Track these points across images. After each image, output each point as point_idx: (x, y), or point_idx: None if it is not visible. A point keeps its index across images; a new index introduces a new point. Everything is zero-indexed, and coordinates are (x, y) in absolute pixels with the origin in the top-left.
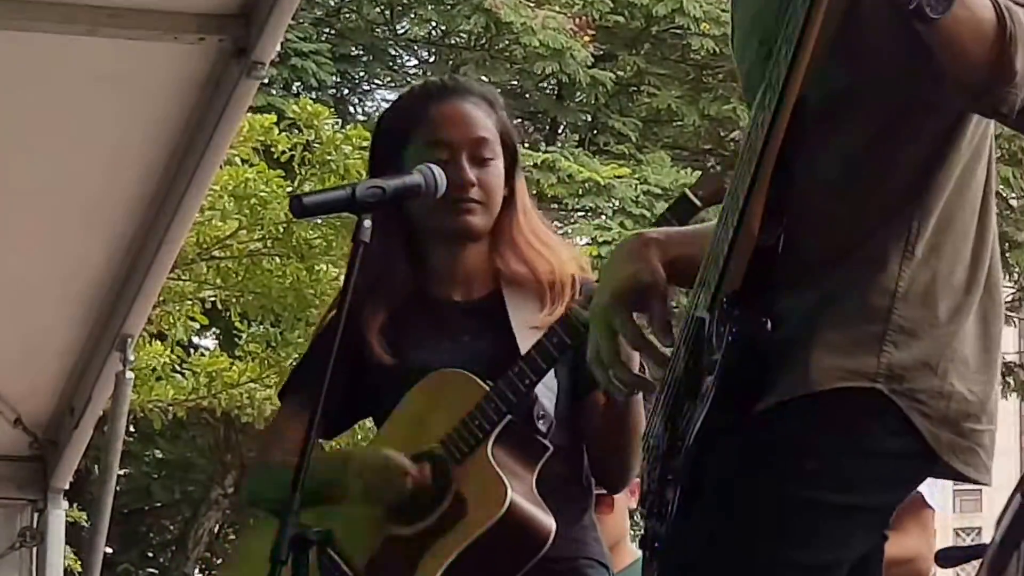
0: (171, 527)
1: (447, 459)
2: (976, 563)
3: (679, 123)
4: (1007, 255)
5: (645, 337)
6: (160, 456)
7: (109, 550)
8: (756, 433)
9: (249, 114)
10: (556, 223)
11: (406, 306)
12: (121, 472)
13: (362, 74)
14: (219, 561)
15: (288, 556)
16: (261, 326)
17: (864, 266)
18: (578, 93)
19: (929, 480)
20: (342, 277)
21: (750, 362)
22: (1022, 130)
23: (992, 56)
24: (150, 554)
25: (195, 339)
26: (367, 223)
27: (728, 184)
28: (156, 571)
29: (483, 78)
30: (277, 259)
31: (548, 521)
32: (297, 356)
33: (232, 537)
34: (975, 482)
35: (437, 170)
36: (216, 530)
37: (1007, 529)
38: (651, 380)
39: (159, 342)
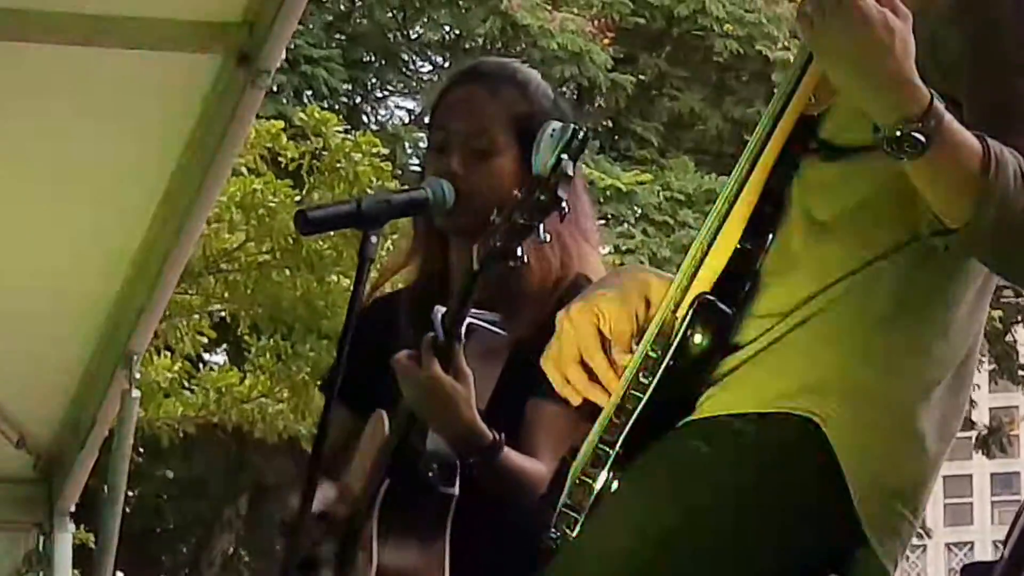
0: (183, 549)
1: (359, 515)
2: None
3: (702, 126)
4: None
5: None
6: (171, 476)
7: (120, 574)
8: (676, 446)
9: (256, 121)
10: None
11: None
12: (131, 493)
13: (374, 80)
14: None
15: None
16: (271, 339)
17: (831, 311)
18: (598, 97)
19: None
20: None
21: (702, 359)
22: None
23: (965, 203)
24: None
25: (204, 354)
26: (374, 239)
27: None
28: None
29: None
30: (286, 270)
31: (431, 573)
32: (309, 369)
33: (247, 559)
34: (881, 573)
35: (447, 184)
36: (230, 552)
37: (1015, 545)
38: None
39: (167, 354)
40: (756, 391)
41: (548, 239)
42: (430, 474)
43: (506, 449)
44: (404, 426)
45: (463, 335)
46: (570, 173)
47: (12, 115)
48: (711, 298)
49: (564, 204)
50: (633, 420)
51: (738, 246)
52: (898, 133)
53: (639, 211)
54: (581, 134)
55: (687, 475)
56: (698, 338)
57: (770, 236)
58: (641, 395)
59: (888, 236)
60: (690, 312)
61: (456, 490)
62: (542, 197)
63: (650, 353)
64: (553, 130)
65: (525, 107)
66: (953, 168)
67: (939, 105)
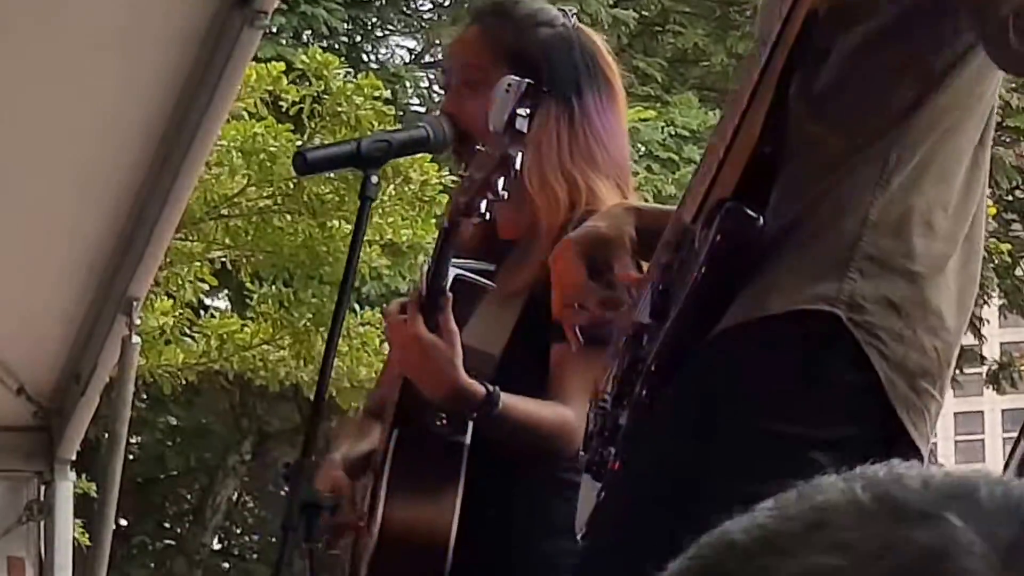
0: (187, 496)
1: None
2: None
3: (706, 62)
4: None
5: (588, 282)
6: (174, 423)
7: (124, 522)
8: (709, 357)
9: (256, 64)
10: None
11: None
12: (133, 441)
13: (375, 20)
14: (238, 530)
15: (300, 523)
16: (273, 286)
17: (836, 190)
18: (600, 33)
19: None
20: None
21: (734, 267)
22: None
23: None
24: (166, 524)
25: (205, 299)
26: (373, 179)
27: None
28: (173, 542)
29: None
30: (288, 216)
31: (443, 527)
32: (311, 316)
33: (251, 505)
34: (915, 452)
35: (445, 121)
36: (234, 498)
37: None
38: (608, 330)
39: (166, 298)
40: (780, 291)
41: (506, 196)
42: (437, 424)
43: (506, 399)
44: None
45: (448, 288)
46: (523, 130)
47: (3, 61)
48: (737, 203)
49: (516, 163)
50: (664, 333)
51: (757, 151)
52: None
53: (643, 148)
54: (535, 89)
55: (724, 383)
56: (724, 242)
57: (783, 135)
58: (667, 304)
59: (883, 114)
60: (717, 218)
61: (467, 439)
62: (495, 154)
63: (665, 262)
64: (509, 85)
65: (514, 39)
66: None
67: None
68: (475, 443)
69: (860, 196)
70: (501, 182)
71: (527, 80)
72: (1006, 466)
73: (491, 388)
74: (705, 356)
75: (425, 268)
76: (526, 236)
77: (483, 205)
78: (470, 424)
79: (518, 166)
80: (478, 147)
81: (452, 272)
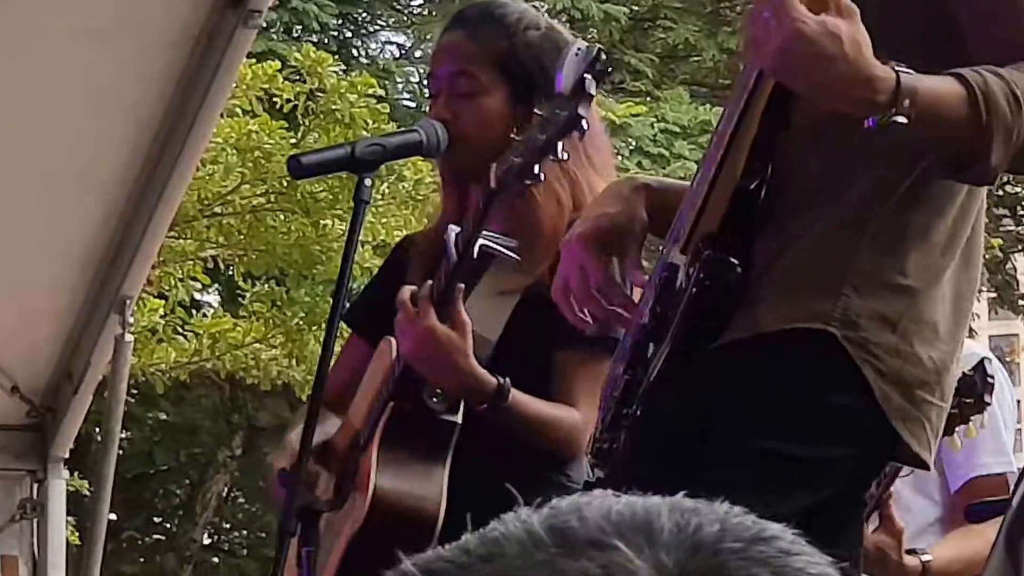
0: (177, 492)
1: (357, 446)
2: None
3: (697, 58)
4: None
5: (611, 278)
6: (164, 419)
7: (113, 517)
8: (704, 373)
9: (251, 61)
10: None
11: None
12: (123, 436)
13: (365, 16)
14: (228, 526)
15: (297, 527)
16: (265, 284)
17: (831, 209)
18: (591, 29)
19: None
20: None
21: (716, 306)
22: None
23: (968, 148)
24: (156, 520)
25: (197, 296)
26: (368, 182)
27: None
28: (163, 537)
29: None
30: (281, 215)
31: (432, 503)
32: (303, 315)
33: (241, 501)
34: (918, 461)
35: (439, 125)
36: (224, 494)
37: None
38: (615, 323)
39: (158, 300)
40: (774, 308)
41: (567, 157)
42: (433, 401)
43: (515, 394)
44: None
45: (477, 256)
46: (592, 93)
47: None
48: (717, 254)
49: (584, 123)
50: (659, 357)
51: (741, 186)
52: (876, 122)
53: (634, 144)
54: (604, 56)
55: (718, 401)
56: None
57: (769, 168)
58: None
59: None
60: (698, 266)
61: (459, 418)
62: (563, 115)
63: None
64: (578, 50)
65: (506, 44)
66: (944, 123)
67: (906, 79)
68: (468, 439)
69: (859, 214)
70: (561, 145)
71: (597, 45)
72: (1015, 486)
73: (502, 380)
74: (700, 372)
75: (454, 234)
76: (523, 236)
77: (537, 167)
78: (461, 406)
79: (585, 127)
80: (535, 111)
81: (480, 242)
